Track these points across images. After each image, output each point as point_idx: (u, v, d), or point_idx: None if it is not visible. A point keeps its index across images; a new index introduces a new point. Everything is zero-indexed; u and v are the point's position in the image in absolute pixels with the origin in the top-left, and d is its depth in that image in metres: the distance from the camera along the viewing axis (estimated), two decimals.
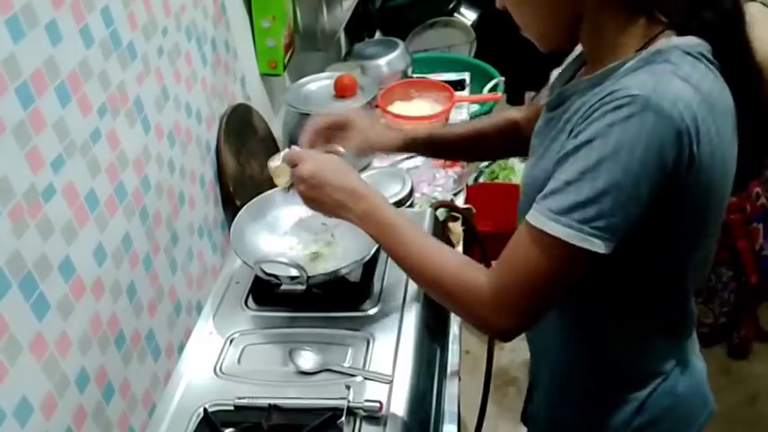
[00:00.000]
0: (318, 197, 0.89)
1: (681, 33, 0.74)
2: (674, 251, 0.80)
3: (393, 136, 1.10)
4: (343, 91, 1.61)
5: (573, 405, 0.98)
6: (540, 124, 0.90)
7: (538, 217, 0.72)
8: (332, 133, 1.05)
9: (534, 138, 0.91)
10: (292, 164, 0.92)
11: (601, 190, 0.68)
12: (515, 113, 1.12)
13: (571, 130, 0.74)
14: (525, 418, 1.16)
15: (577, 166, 0.70)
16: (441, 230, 1.29)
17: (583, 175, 0.69)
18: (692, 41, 0.73)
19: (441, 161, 1.67)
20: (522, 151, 0.99)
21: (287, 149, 0.95)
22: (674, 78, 0.69)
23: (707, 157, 0.70)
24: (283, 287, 1.07)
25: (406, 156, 1.69)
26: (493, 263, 0.89)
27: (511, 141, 1.11)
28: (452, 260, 0.81)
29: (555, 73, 0.98)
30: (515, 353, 2.30)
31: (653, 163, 0.67)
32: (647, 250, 0.78)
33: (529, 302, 0.75)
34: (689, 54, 0.72)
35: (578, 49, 0.92)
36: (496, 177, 2.52)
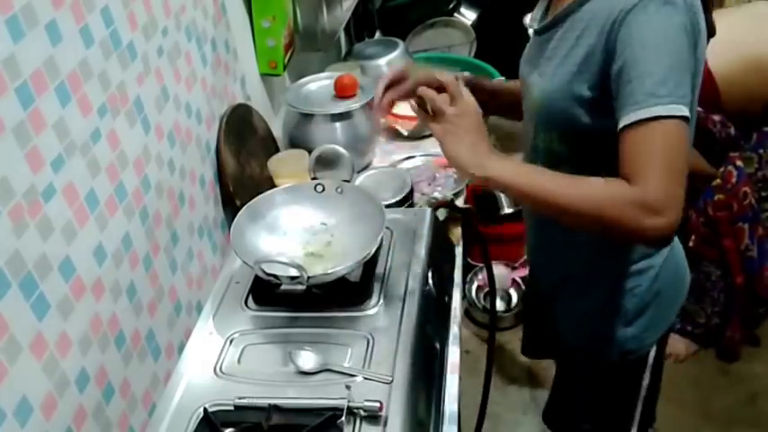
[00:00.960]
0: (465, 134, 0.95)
1: None
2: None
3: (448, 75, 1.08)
4: (343, 91, 1.61)
5: (601, 291, 1.14)
6: (532, 49, 1.07)
7: (647, 109, 0.83)
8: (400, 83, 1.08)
9: (527, 65, 1.08)
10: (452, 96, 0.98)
11: (668, 66, 0.84)
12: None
13: (604, 40, 0.90)
14: (531, 350, 1.44)
15: (641, 59, 0.85)
16: (441, 230, 1.28)
17: (650, 62, 0.84)
18: None
19: (441, 161, 1.67)
20: None
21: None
22: None
23: (702, 30, 0.90)
24: (283, 287, 1.07)
25: (406, 156, 1.70)
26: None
27: None
28: (593, 187, 0.88)
29: (527, 18, 1.21)
30: (515, 353, 2.31)
31: (685, 38, 0.86)
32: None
33: (676, 188, 0.83)
34: None
35: None
36: None
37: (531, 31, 1.09)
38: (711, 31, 0.95)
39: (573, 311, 1.22)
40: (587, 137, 0.99)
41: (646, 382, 1.25)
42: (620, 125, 0.86)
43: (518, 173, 0.92)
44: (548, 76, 1.00)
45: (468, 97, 0.98)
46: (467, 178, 1.04)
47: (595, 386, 1.28)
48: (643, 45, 0.85)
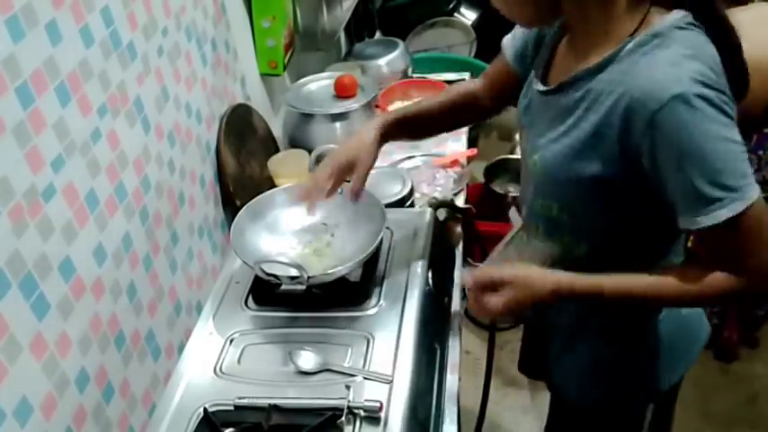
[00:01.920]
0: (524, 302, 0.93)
1: (665, 7, 0.86)
2: None
3: (373, 146, 1.10)
4: (343, 91, 1.61)
5: (595, 336, 1.09)
6: (533, 104, 1.01)
7: (716, 213, 0.81)
8: (343, 174, 1.09)
9: (528, 116, 1.02)
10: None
11: (722, 160, 0.80)
12: (472, 85, 1.21)
13: (620, 127, 0.84)
14: (529, 368, 1.39)
15: (689, 168, 0.81)
16: (441, 230, 1.29)
17: (699, 167, 0.80)
18: (678, 15, 0.85)
19: (441, 161, 1.68)
20: (479, 118, 1.26)
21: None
22: (690, 61, 0.81)
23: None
24: (283, 287, 1.07)
25: (406, 156, 1.70)
26: None
27: (472, 113, 1.23)
28: (693, 289, 0.88)
29: (506, 40, 1.13)
30: (515, 353, 2.30)
31: (724, 119, 0.81)
32: None
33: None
34: (681, 28, 0.84)
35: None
36: None
37: (533, 86, 1.01)
38: (741, 93, 0.92)
39: (565, 361, 1.16)
40: (591, 212, 0.95)
41: (648, 419, 1.19)
42: (699, 225, 0.83)
43: (591, 276, 0.91)
44: (549, 144, 0.94)
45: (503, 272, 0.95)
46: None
47: (591, 428, 1.22)
48: (686, 150, 0.80)
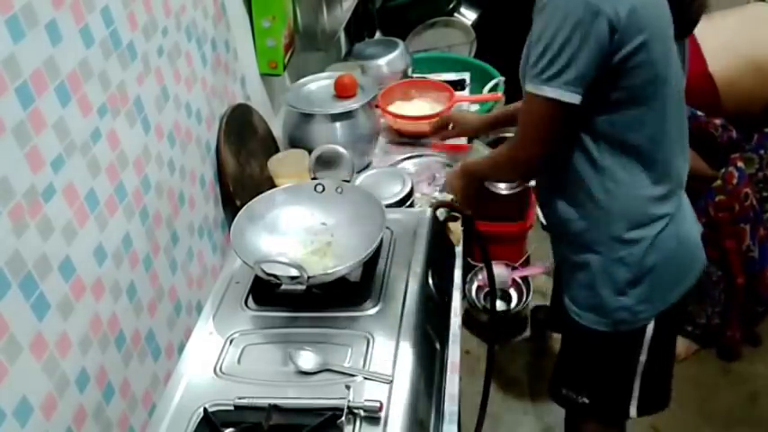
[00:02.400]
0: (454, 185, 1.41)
1: None
2: (625, 116, 1.12)
3: (477, 121, 1.66)
4: (343, 91, 1.61)
5: (596, 259, 1.23)
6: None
7: (528, 86, 1.09)
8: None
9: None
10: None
11: (555, 54, 1.03)
12: None
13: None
14: (553, 323, 1.76)
15: (537, 44, 1.05)
16: (441, 230, 1.29)
17: (543, 48, 1.04)
18: None
19: (441, 161, 1.68)
20: None
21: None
22: None
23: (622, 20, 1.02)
24: (283, 287, 1.07)
25: (405, 156, 1.70)
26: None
27: None
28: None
29: None
30: (515, 353, 2.31)
31: (579, 29, 1.02)
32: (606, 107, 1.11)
33: (532, 141, 1.15)
34: None
35: None
36: None
37: None
38: (688, 28, 1.08)
39: (571, 279, 1.30)
40: None
41: (643, 358, 1.29)
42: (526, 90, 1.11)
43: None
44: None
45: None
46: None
47: (591, 358, 1.34)
48: (539, 28, 1.05)
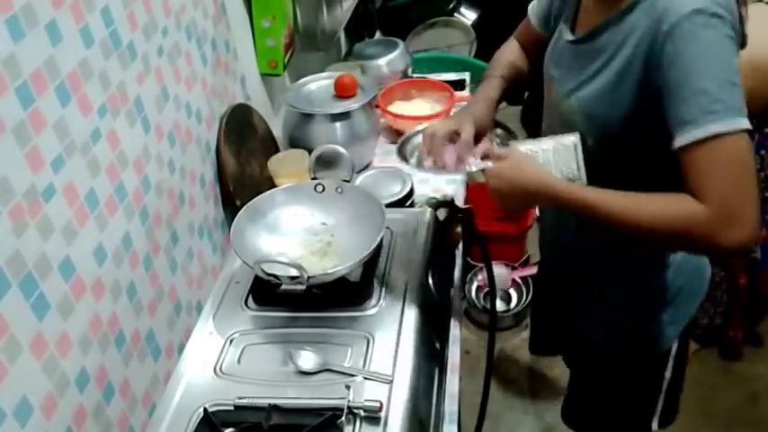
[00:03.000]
0: (509, 193, 1.03)
1: None
2: None
3: (488, 117, 1.25)
4: (343, 91, 1.61)
5: (622, 283, 1.17)
6: (564, 56, 1.08)
7: (705, 128, 0.84)
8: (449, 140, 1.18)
9: (559, 68, 1.09)
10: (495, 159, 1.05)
11: (721, 82, 0.84)
12: (516, 51, 1.32)
13: (644, 52, 0.90)
14: (540, 347, 1.52)
15: (691, 76, 0.85)
16: (441, 230, 1.28)
17: (702, 78, 0.84)
18: None
19: None
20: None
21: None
22: None
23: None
24: (283, 287, 1.07)
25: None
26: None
27: (528, 70, 1.32)
28: (658, 206, 0.90)
29: (530, 7, 1.24)
30: (515, 353, 2.31)
31: (735, 49, 0.88)
32: None
33: (751, 201, 0.85)
34: None
35: None
36: None
37: (563, 37, 1.09)
38: (743, 43, 0.94)
39: (595, 308, 1.24)
40: (623, 144, 1.00)
41: (668, 374, 1.27)
42: (678, 144, 0.86)
43: (583, 189, 0.97)
44: (586, 85, 1.01)
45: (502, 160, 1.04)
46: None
47: (617, 380, 1.30)
48: (694, 61, 0.85)
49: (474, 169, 1.08)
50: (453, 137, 1.16)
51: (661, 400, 1.30)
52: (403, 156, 1.25)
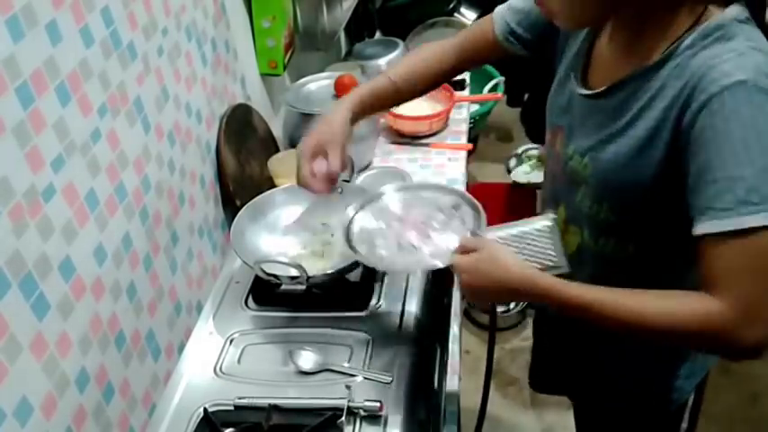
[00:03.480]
0: (484, 290, 0.88)
1: (720, 5, 0.81)
2: None
3: (342, 125, 1.09)
4: (343, 91, 1.61)
5: (643, 364, 1.07)
6: (574, 107, 0.96)
7: (738, 219, 0.74)
8: (315, 157, 1.07)
9: (566, 117, 0.97)
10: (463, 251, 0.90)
11: (761, 167, 0.73)
12: (437, 49, 1.16)
13: (675, 118, 0.80)
14: (543, 383, 1.35)
15: (728, 158, 0.74)
16: None
17: (739, 163, 0.74)
18: (737, 9, 0.81)
19: (437, 146, 1.68)
20: (441, 81, 1.18)
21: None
22: (756, 53, 0.77)
23: None
24: (283, 287, 1.07)
25: (406, 156, 1.70)
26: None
27: (437, 77, 1.17)
28: (668, 307, 0.80)
29: (497, 13, 1.08)
30: (515, 353, 2.31)
31: None
32: None
33: (767, 298, 0.76)
34: (742, 22, 0.80)
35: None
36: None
37: (574, 88, 0.97)
38: None
39: (606, 359, 1.13)
40: (642, 211, 0.90)
41: (684, 425, 1.22)
42: (704, 230, 0.76)
43: (578, 286, 0.84)
44: (605, 146, 0.90)
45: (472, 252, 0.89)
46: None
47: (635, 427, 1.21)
48: (732, 142, 0.74)
49: (440, 265, 0.93)
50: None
51: None
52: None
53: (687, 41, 0.81)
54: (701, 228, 0.77)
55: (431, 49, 1.18)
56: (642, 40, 0.86)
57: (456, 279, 0.93)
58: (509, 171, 2.42)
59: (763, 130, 0.74)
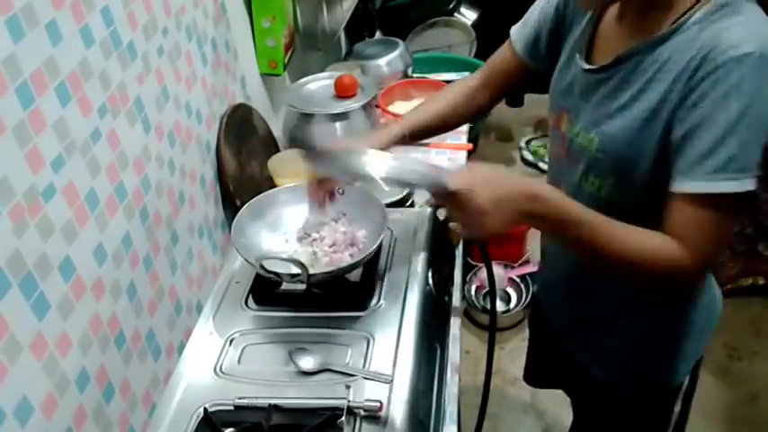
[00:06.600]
0: (494, 203, 0.84)
1: None
2: None
3: (384, 137, 1.17)
4: (343, 91, 1.61)
5: (632, 315, 1.10)
6: (576, 85, 0.98)
7: (714, 184, 0.80)
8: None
9: (569, 98, 1.00)
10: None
11: (746, 140, 0.79)
12: (470, 83, 1.23)
13: (683, 87, 0.82)
14: (536, 379, 1.44)
15: (720, 126, 0.79)
16: (441, 230, 1.28)
17: (729, 132, 0.78)
18: None
19: (442, 159, 1.68)
20: (476, 115, 1.26)
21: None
22: (764, 26, 0.81)
23: None
24: (284, 286, 1.07)
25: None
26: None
27: (469, 111, 1.24)
28: (642, 241, 0.86)
29: (515, 30, 1.14)
30: (515, 353, 2.31)
31: None
32: None
33: (718, 253, 0.89)
34: (748, 0, 0.83)
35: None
36: None
37: (577, 66, 0.99)
38: None
39: (601, 341, 1.16)
40: (644, 186, 0.92)
41: (677, 408, 1.21)
42: (682, 189, 0.82)
43: (574, 202, 0.87)
44: (609, 120, 0.92)
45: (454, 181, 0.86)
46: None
47: (624, 416, 1.23)
48: (727, 108, 0.78)
49: (444, 180, 0.86)
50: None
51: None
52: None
53: (696, 16, 0.83)
54: (679, 186, 0.83)
55: (463, 83, 1.23)
56: (650, 16, 0.88)
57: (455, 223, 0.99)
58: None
59: (758, 103, 0.78)
